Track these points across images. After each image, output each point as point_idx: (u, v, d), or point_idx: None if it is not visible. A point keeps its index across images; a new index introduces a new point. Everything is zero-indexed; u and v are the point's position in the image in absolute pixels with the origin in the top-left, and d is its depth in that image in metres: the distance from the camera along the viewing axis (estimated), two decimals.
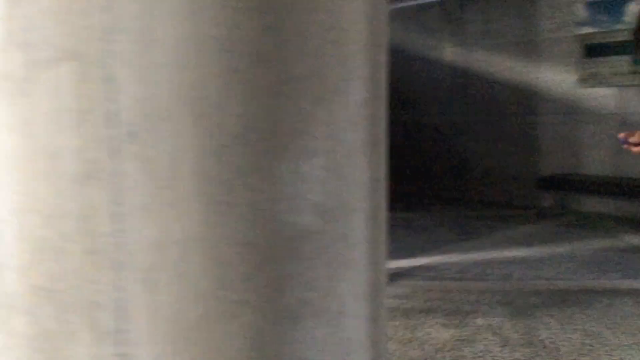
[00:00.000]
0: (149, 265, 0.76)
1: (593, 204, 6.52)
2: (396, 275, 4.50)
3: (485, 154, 7.51)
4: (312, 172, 0.82)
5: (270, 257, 0.80)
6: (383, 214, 0.99)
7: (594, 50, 6.36)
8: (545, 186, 6.61)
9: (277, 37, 0.77)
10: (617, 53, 6.19)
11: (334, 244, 0.86)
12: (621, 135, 2.01)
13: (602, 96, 6.39)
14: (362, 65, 0.87)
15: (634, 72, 6.14)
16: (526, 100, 7.08)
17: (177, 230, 0.76)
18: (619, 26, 6.18)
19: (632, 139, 1.96)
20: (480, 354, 3.11)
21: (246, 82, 0.76)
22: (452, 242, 5.46)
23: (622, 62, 6.20)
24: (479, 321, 3.54)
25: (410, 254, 5.11)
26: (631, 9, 6.06)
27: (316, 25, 0.80)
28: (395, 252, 5.17)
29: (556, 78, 6.76)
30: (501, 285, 4.19)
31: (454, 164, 7.88)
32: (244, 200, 0.78)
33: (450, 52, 7.90)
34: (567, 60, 6.63)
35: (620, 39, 6.10)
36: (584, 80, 6.50)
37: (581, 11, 6.46)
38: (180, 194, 0.76)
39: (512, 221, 6.28)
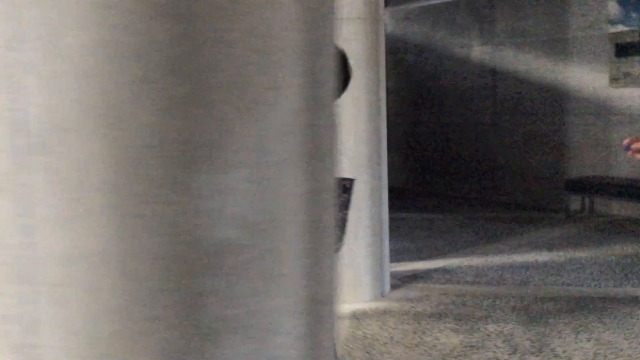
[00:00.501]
0: (59, 279, 0.74)
1: (622, 208, 6.32)
2: (411, 278, 4.44)
3: (513, 154, 7.36)
4: (234, 185, 0.79)
5: (187, 272, 0.77)
6: (328, 225, 0.95)
7: (625, 49, 6.16)
8: (573, 189, 6.44)
9: (193, 45, 0.75)
10: None
11: (260, 258, 0.82)
12: (626, 141, 1.92)
13: (634, 97, 6.18)
14: (294, 73, 0.84)
15: None
16: (555, 100, 6.90)
17: (88, 243, 0.74)
18: None
19: (634, 145, 1.87)
20: None
21: (159, 92, 0.74)
22: (472, 245, 5.36)
23: None
24: (491, 327, 3.46)
25: (428, 255, 5.03)
26: None
27: (237, 33, 0.77)
28: (413, 253, 5.10)
29: (586, 78, 6.56)
30: (517, 291, 4.09)
31: (480, 165, 7.74)
32: (159, 213, 0.75)
33: (478, 51, 7.76)
34: (597, 60, 6.44)
35: None
36: (615, 80, 6.29)
37: (613, 9, 6.26)
38: (90, 206, 0.74)
39: (537, 224, 6.13)
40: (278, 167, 0.83)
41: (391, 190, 8.59)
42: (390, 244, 5.30)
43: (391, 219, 6.63)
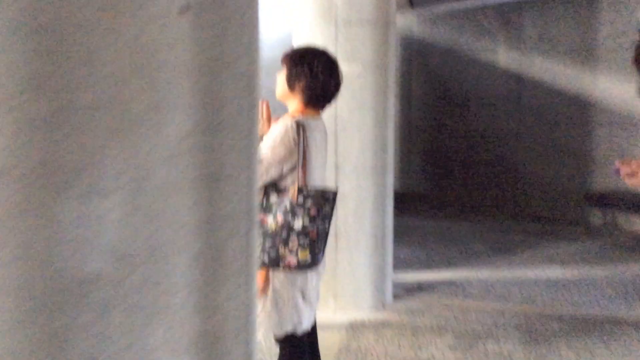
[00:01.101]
0: None
1: None
2: (416, 288, 4.34)
3: (535, 164, 7.16)
4: (106, 213, 0.73)
5: (50, 305, 0.72)
6: (230, 254, 0.89)
7: None
8: (595, 202, 6.23)
9: (57, 62, 0.69)
10: None
11: (138, 291, 0.76)
12: (617, 163, 1.81)
13: None
14: (181, 94, 0.78)
15: None
16: (581, 110, 6.69)
17: None
18: None
19: (624, 169, 1.76)
20: None
21: (15, 112, 0.68)
22: (484, 256, 5.23)
23: None
24: (490, 346, 3.34)
25: (437, 265, 4.92)
26: None
27: (112, 50, 0.71)
28: (422, 262, 4.99)
29: (614, 87, 6.34)
30: (523, 308, 3.95)
31: (501, 173, 7.56)
32: (15, 242, 0.70)
33: (504, 56, 7.58)
34: (626, 69, 6.21)
35: None
36: None
37: None
38: None
39: (555, 238, 5.95)
40: (161, 193, 0.77)
41: (410, 195, 8.49)
42: (400, 252, 5.22)
43: (405, 226, 6.56)
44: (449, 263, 5.00)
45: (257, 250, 2.33)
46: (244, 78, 0.88)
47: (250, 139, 0.93)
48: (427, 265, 4.95)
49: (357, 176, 3.79)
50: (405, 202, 7.93)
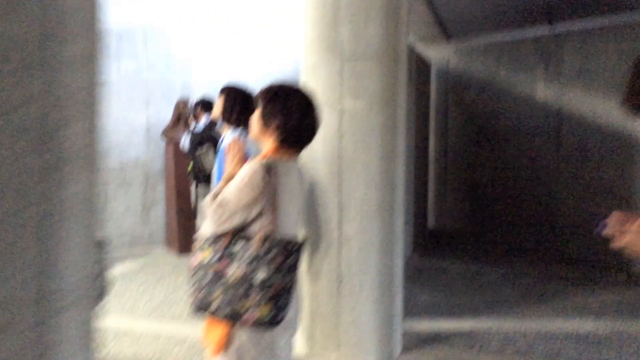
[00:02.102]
0: None
1: None
2: (430, 339, 4.04)
3: (574, 203, 6.74)
4: None
5: None
6: None
7: None
8: None
9: None
10: None
11: None
12: (604, 222, 1.54)
13: None
14: None
15: None
16: (623, 147, 6.28)
17: None
18: None
19: (608, 228, 1.49)
20: None
21: None
22: (510, 304, 4.86)
23: None
24: None
25: (457, 314, 4.60)
26: None
27: None
28: (443, 310, 4.68)
29: None
30: None
31: (539, 212, 7.16)
32: None
33: (543, 90, 7.24)
34: None
35: None
36: None
37: None
38: None
39: (591, 285, 5.52)
40: None
41: (445, 233, 8.14)
42: (420, 296, 4.91)
43: (431, 267, 6.24)
44: (471, 311, 4.67)
45: (216, 302, 2.14)
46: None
47: None
48: (447, 312, 4.63)
49: (362, 217, 3.56)
50: (439, 241, 7.60)
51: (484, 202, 8.00)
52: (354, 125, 3.54)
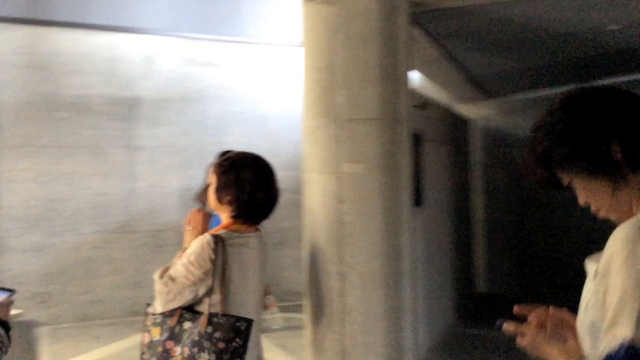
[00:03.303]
0: None
1: None
2: None
3: None
4: None
5: None
6: None
7: None
8: None
9: None
10: None
11: None
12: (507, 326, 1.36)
13: None
14: None
15: None
16: None
17: None
18: None
19: (508, 326, 1.32)
20: None
21: None
22: None
23: None
24: None
25: None
26: None
27: None
28: None
29: None
30: None
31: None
32: None
33: None
34: None
35: None
36: None
37: None
38: None
39: None
40: None
41: (492, 297, 7.71)
42: None
43: (476, 337, 5.86)
44: None
45: None
46: None
47: None
48: None
49: (364, 286, 3.39)
50: (488, 306, 7.21)
51: (533, 264, 7.58)
52: (353, 189, 3.42)
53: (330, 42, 3.46)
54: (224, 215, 2.14)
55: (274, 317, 5.42)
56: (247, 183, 2.08)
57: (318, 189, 3.50)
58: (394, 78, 3.50)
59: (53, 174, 6.50)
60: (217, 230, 2.08)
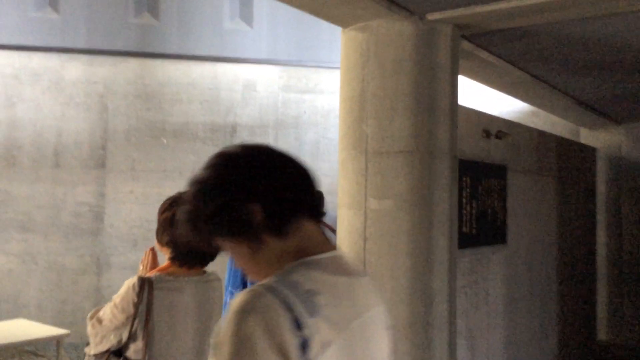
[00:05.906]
0: None
1: None
2: None
3: None
4: None
5: None
6: None
7: None
8: None
9: None
10: None
11: None
12: None
13: None
14: None
15: None
16: None
17: None
18: None
19: None
20: None
21: None
22: None
23: None
24: None
25: None
26: None
27: None
28: None
29: None
30: None
31: None
32: None
33: None
34: None
35: None
36: None
37: None
38: None
39: None
40: None
41: (618, 348, 6.82)
42: None
43: None
44: None
45: None
46: None
47: None
48: None
49: (391, 333, 3.12)
50: (613, 357, 6.43)
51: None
52: (378, 227, 3.19)
53: (361, 71, 3.29)
54: (166, 257, 2.06)
55: None
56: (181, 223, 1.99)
57: (346, 225, 3.31)
58: (430, 108, 3.23)
59: (154, 197, 6.89)
60: (153, 272, 2.01)
